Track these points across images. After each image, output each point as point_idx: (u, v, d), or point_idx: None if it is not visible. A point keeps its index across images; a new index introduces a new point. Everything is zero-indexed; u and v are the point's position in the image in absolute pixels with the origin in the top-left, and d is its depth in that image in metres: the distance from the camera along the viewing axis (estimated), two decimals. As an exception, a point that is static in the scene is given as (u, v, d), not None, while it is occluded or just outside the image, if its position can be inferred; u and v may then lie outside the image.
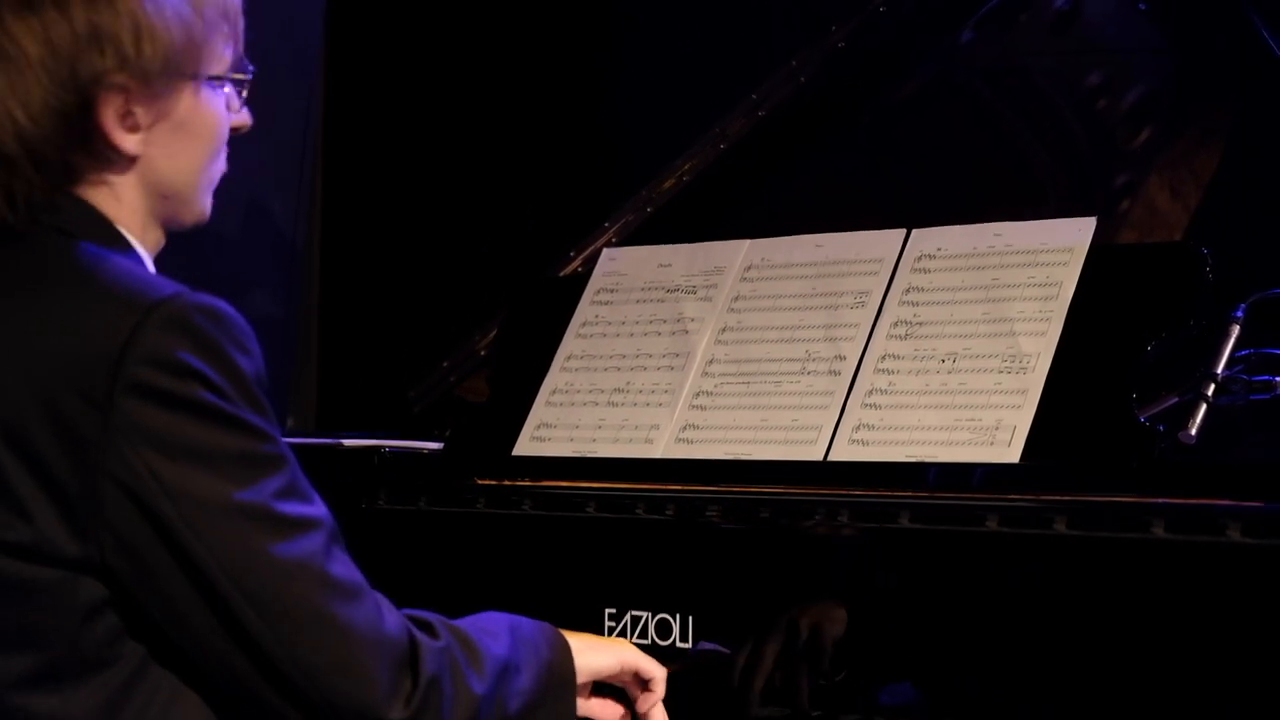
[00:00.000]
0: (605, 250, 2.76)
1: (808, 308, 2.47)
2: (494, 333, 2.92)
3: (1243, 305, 2.31)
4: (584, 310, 2.68)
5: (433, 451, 2.80)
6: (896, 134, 3.05)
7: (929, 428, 2.27)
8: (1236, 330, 2.29)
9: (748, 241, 2.59)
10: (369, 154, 3.89)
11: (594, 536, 2.46)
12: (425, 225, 3.86)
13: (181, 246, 1.98)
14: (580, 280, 2.73)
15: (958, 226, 2.41)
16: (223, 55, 1.91)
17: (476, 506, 2.57)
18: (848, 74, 2.96)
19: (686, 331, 2.55)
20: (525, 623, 2.02)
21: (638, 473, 2.46)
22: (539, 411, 2.62)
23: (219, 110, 1.92)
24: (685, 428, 2.47)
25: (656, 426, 2.50)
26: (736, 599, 2.32)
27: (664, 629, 2.35)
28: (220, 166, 1.95)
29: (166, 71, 1.84)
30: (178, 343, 1.73)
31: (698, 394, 2.49)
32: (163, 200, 1.90)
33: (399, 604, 2.60)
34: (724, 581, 2.34)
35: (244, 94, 1.96)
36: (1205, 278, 2.20)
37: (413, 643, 1.84)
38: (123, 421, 1.71)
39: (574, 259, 2.93)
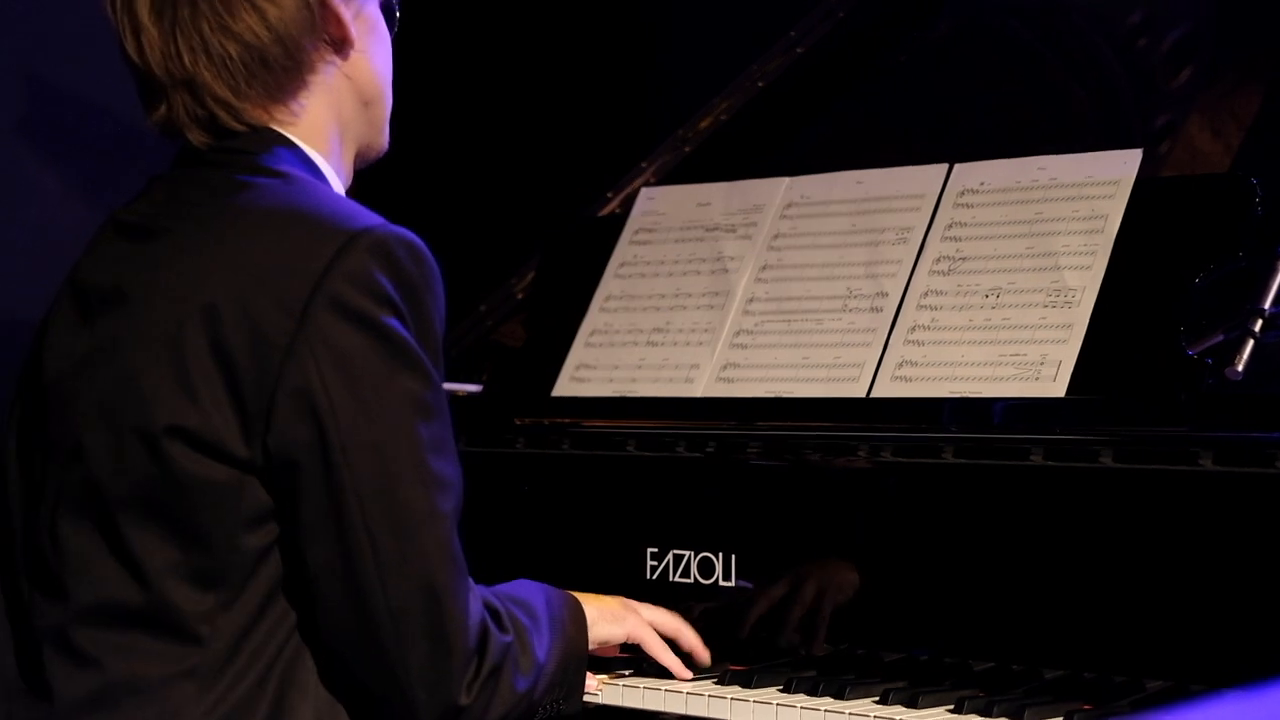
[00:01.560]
0: (643, 190, 2.74)
1: (848, 244, 2.45)
2: (531, 275, 2.91)
3: (1289, 240, 2.28)
4: (623, 250, 2.66)
5: (471, 393, 2.80)
6: (934, 74, 3.02)
7: (973, 363, 2.25)
8: (1284, 265, 2.27)
9: (787, 179, 2.57)
10: (401, 95, 3.87)
11: (635, 476, 2.45)
12: (460, 168, 3.84)
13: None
14: (618, 220, 2.72)
15: (1001, 160, 2.38)
16: None
17: (516, 447, 2.56)
18: (885, 12, 2.94)
19: (726, 270, 2.54)
20: (555, 598, 2.06)
21: (678, 412, 2.45)
22: (578, 352, 2.60)
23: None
24: (726, 366, 2.46)
25: (697, 366, 2.48)
26: (779, 537, 2.31)
27: (706, 568, 2.34)
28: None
29: None
30: (380, 269, 1.78)
31: (738, 333, 2.48)
32: (364, 110, 1.99)
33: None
34: (766, 520, 2.32)
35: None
36: (1254, 208, 2.17)
37: (485, 630, 1.85)
38: (313, 333, 1.76)
39: (612, 200, 2.91)
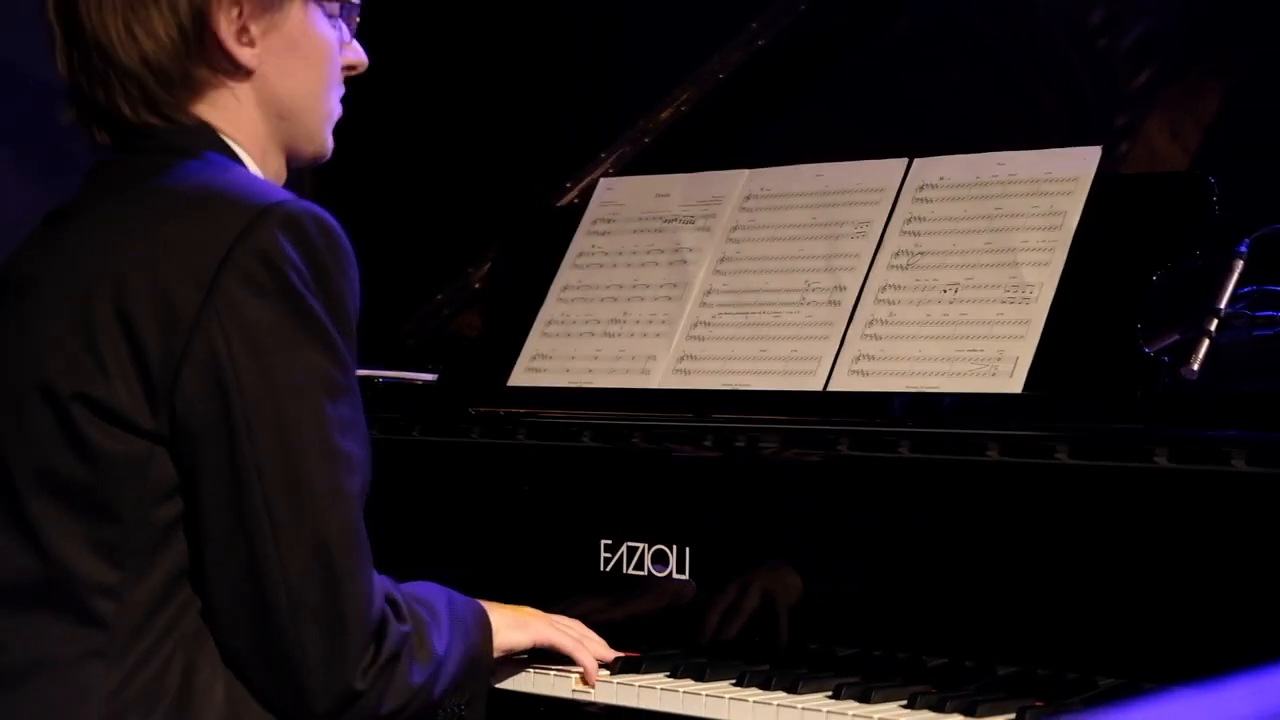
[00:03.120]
0: (602, 180, 2.73)
1: (807, 237, 2.44)
2: (488, 265, 2.89)
3: (1246, 240, 2.28)
4: (580, 240, 2.65)
5: (427, 382, 2.78)
6: (897, 69, 3.02)
7: (930, 358, 2.25)
8: (1240, 265, 2.27)
9: (747, 171, 2.56)
10: (360, 84, 3.86)
11: (589, 467, 2.44)
12: (420, 157, 3.82)
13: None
14: (577, 211, 2.70)
15: (961, 155, 2.37)
16: None
17: (470, 436, 2.54)
18: (848, 5, 2.93)
19: (684, 262, 2.53)
20: (459, 601, 2.05)
21: (634, 403, 2.44)
22: (534, 342, 2.59)
23: (328, 36, 1.98)
24: (682, 358, 2.45)
25: (653, 357, 2.47)
26: (734, 530, 2.29)
27: (660, 560, 2.33)
28: (337, 101, 2.02)
29: None
30: (291, 243, 1.77)
31: (695, 324, 2.47)
32: (281, 122, 1.95)
33: (390, 536, 2.58)
34: (721, 512, 2.31)
35: (354, 28, 2.03)
36: (1211, 207, 2.17)
37: (384, 617, 1.83)
38: (222, 305, 1.75)
39: (570, 190, 2.89)
